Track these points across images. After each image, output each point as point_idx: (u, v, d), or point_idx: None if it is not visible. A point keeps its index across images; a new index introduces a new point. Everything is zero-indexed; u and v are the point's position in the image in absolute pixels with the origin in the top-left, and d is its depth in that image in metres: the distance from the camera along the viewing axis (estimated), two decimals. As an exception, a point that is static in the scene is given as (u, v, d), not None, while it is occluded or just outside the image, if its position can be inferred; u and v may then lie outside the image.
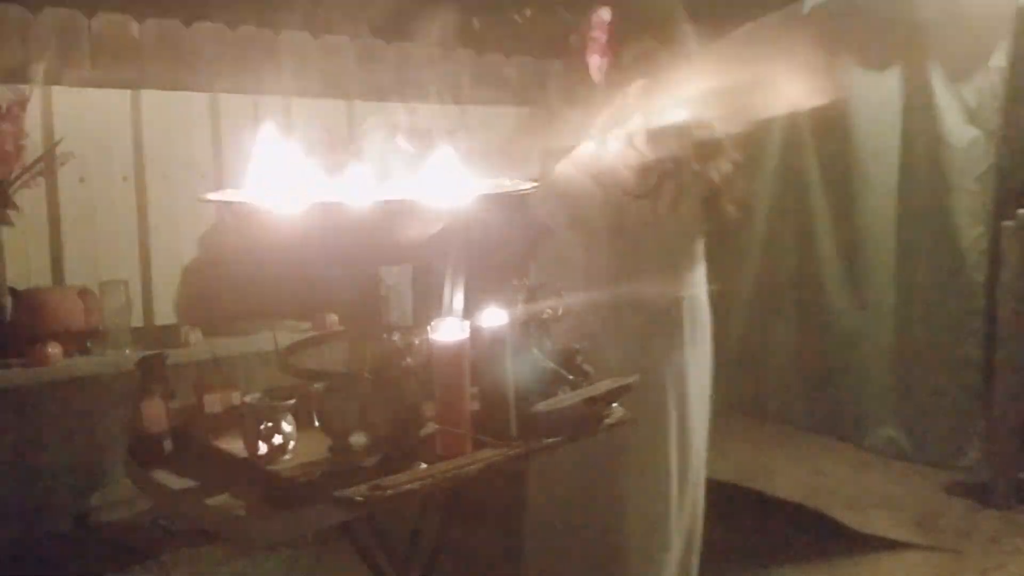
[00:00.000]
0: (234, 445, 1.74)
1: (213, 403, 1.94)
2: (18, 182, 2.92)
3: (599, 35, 2.47)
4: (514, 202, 1.97)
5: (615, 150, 2.33)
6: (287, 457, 1.67)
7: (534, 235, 2.27)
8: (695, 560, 2.59)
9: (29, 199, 3.02)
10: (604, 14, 2.47)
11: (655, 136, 2.32)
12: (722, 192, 2.46)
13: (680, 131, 2.33)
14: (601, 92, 2.47)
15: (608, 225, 2.40)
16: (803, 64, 2.57)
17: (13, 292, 2.87)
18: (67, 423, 2.71)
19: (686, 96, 2.33)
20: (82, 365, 2.79)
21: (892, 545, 3.20)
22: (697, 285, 2.54)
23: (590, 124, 2.41)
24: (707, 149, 2.40)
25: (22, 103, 2.93)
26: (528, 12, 3.36)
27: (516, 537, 2.62)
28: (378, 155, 1.96)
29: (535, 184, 2.15)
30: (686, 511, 2.54)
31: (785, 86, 2.50)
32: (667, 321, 2.48)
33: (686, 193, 2.42)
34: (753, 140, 3.85)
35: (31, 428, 2.68)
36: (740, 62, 2.44)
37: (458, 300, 1.78)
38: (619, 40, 2.44)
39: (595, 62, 2.49)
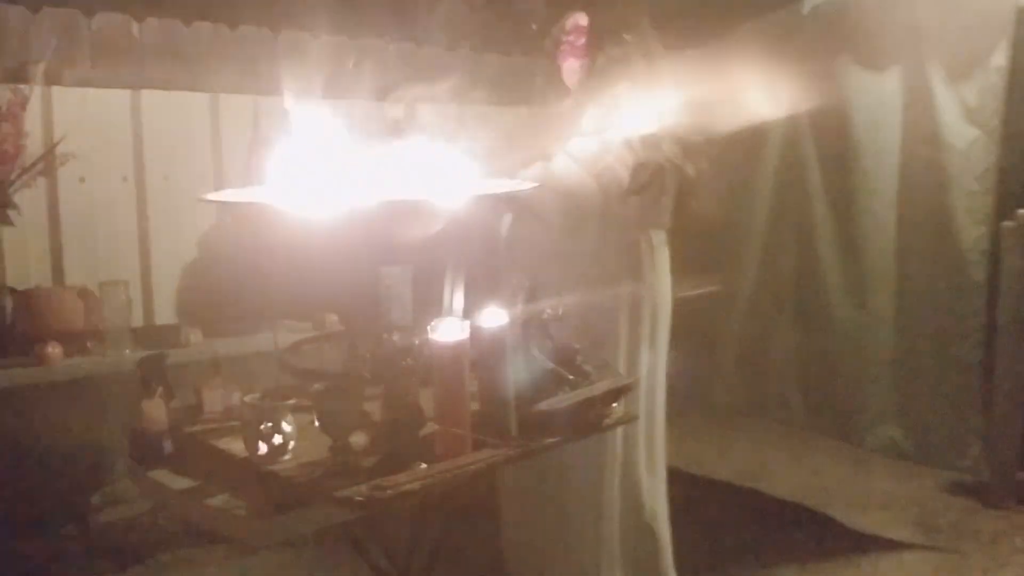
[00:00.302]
0: (234, 445, 1.75)
1: (213, 403, 1.94)
2: (18, 182, 2.92)
3: (575, 38, 2.53)
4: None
5: (614, 148, 2.38)
6: (287, 457, 1.67)
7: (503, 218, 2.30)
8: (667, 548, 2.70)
9: (29, 199, 3.02)
10: (580, 18, 2.52)
11: (650, 137, 2.38)
12: (693, 190, 2.55)
13: (671, 133, 2.39)
14: (578, 94, 2.53)
15: (598, 218, 2.46)
16: (785, 73, 2.64)
17: (13, 292, 2.87)
18: (67, 423, 2.71)
19: (670, 100, 2.40)
20: (82, 365, 2.78)
21: (892, 545, 3.20)
22: (664, 285, 2.62)
23: (578, 124, 2.47)
24: (688, 149, 2.47)
25: (22, 103, 2.93)
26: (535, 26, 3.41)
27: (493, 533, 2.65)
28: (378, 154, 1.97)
29: (535, 183, 2.19)
30: (654, 502, 2.65)
31: (760, 96, 2.57)
32: (636, 316, 2.57)
33: (668, 190, 2.54)
34: (752, 140, 3.88)
35: (31, 428, 2.68)
36: (719, 70, 2.50)
37: (458, 300, 1.79)
38: (597, 44, 2.50)
39: (571, 65, 2.55)
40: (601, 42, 2.51)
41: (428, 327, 1.71)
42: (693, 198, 2.59)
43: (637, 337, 2.56)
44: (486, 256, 1.99)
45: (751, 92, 2.51)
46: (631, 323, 2.55)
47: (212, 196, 2.30)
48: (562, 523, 2.56)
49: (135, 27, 3.39)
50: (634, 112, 2.40)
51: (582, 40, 2.53)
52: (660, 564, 2.68)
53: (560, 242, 2.47)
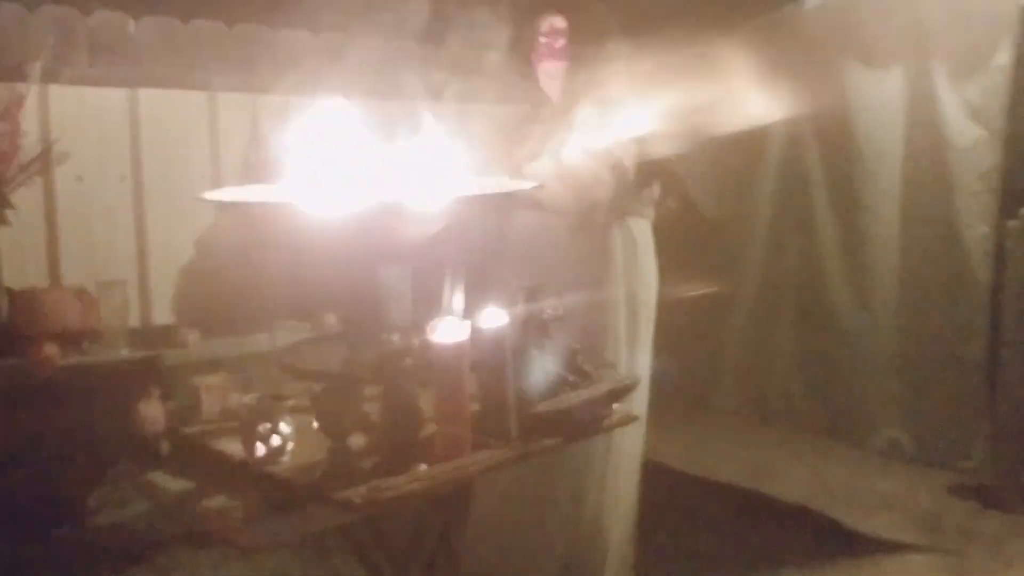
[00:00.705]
0: (232, 447, 1.74)
1: (211, 404, 1.93)
2: (15, 181, 2.91)
3: (551, 40, 2.53)
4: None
5: (623, 145, 2.39)
6: (285, 459, 1.67)
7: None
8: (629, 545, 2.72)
9: (26, 198, 3.01)
10: (557, 21, 2.53)
11: (647, 136, 2.40)
12: (672, 188, 2.62)
13: (661, 132, 2.41)
14: (566, 95, 2.54)
15: (608, 213, 2.46)
16: (788, 71, 2.65)
17: (9, 292, 2.86)
18: (64, 424, 2.70)
19: (658, 102, 2.42)
20: (79, 366, 2.78)
21: (895, 547, 3.19)
22: (652, 284, 2.64)
23: (570, 124, 2.48)
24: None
25: (19, 102, 2.92)
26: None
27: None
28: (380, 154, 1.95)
29: (543, 176, 2.20)
30: (621, 500, 2.65)
31: (755, 96, 2.59)
32: (634, 306, 2.59)
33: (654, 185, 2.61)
34: (754, 140, 3.87)
35: (27, 429, 2.67)
36: (706, 71, 2.52)
37: (458, 300, 1.77)
38: (577, 46, 2.51)
39: (548, 67, 2.56)
40: (582, 44, 2.52)
41: (428, 327, 1.70)
42: (670, 195, 2.64)
43: (635, 327, 2.57)
44: (485, 254, 1.98)
45: (745, 92, 2.53)
46: (630, 313, 2.56)
47: (210, 195, 2.28)
48: (537, 523, 2.56)
49: (132, 25, 3.38)
50: (629, 112, 2.41)
51: (559, 42, 2.54)
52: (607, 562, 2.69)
53: (561, 234, 2.47)
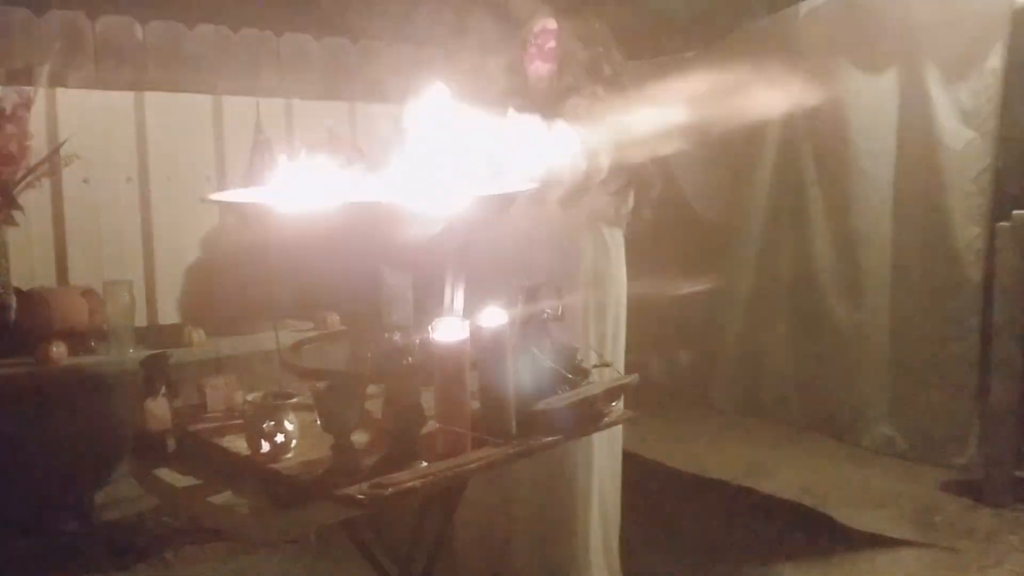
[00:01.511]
0: (237, 443, 1.77)
1: (216, 402, 1.97)
2: (22, 183, 2.94)
3: (542, 41, 2.54)
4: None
5: (605, 147, 2.41)
6: (289, 455, 1.69)
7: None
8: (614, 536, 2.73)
9: (33, 200, 3.04)
10: (549, 22, 2.54)
11: (627, 141, 2.42)
12: (647, 199, 2.63)
13: (653, 136, 2.43)
14: (546, 97, 2.55)
15: (582, 215, 2.49)
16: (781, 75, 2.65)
17: (18, 292, 2.89)
18: (71, 422, 2.73)
19: (641, 107, 2.44)
20: (86, 364, 2.81)
21: (889, 543, 3.22)
22: (623, 282, 2.66)
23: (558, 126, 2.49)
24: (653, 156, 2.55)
25: (26, 105, 2.94)
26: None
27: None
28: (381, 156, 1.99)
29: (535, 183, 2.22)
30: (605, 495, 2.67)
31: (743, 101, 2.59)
32: (602, 307, 2.59)
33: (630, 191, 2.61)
34: (748, 142, 3.89)
35: (36, 427, 2.70)
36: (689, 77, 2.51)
37: (458, 300, 1.81)
38: (568, 48, 2.52)
39: (537, 68, 2.57)
40: (570, 47, 2.53)
41: (429, 327, 1.73)
42: (646, 204, 2.66)
43: (603, 332, 2.58)
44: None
45: (737, 97, 2.53)
46: (597, 317, 2.57)
47: (215, 196, 2.32)
48: (524, 521, 2.58)
49: (138, 29, 3.42)
50: (611, 116, 2.43)
51: (550, 43, 2.54)
52: (613, 545, 2.72)
53: (537, 232, 2.47)
